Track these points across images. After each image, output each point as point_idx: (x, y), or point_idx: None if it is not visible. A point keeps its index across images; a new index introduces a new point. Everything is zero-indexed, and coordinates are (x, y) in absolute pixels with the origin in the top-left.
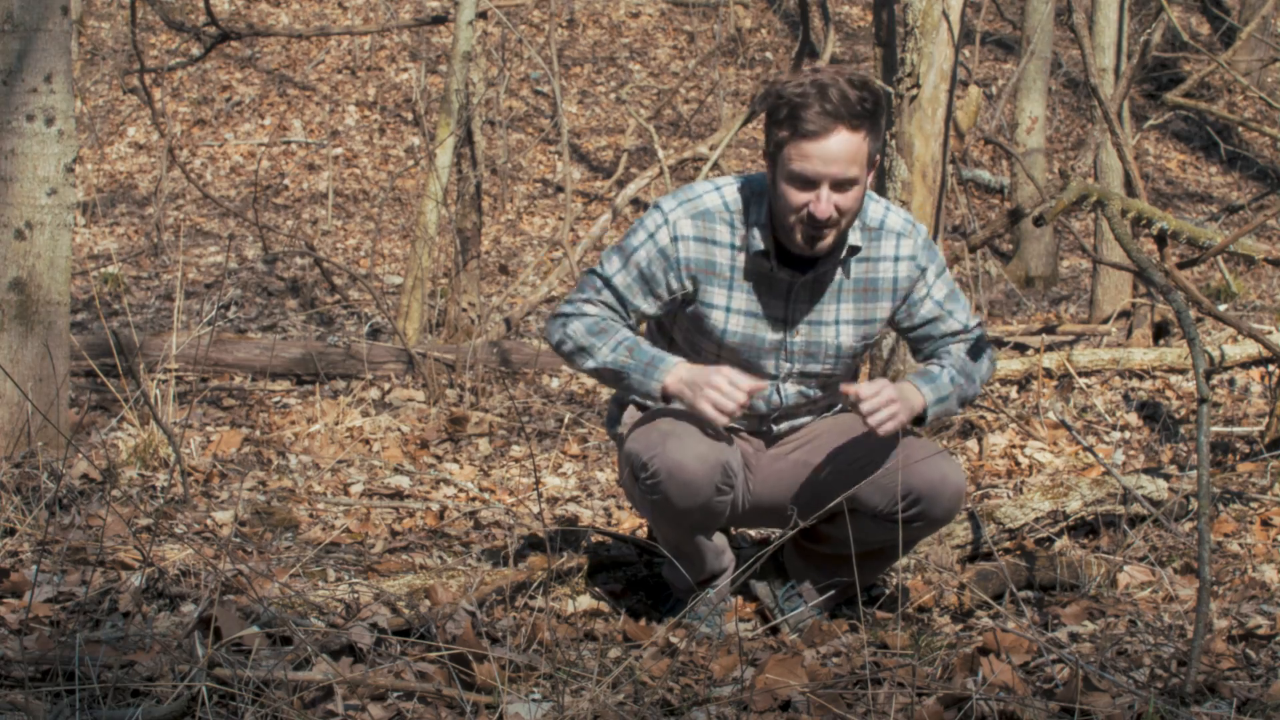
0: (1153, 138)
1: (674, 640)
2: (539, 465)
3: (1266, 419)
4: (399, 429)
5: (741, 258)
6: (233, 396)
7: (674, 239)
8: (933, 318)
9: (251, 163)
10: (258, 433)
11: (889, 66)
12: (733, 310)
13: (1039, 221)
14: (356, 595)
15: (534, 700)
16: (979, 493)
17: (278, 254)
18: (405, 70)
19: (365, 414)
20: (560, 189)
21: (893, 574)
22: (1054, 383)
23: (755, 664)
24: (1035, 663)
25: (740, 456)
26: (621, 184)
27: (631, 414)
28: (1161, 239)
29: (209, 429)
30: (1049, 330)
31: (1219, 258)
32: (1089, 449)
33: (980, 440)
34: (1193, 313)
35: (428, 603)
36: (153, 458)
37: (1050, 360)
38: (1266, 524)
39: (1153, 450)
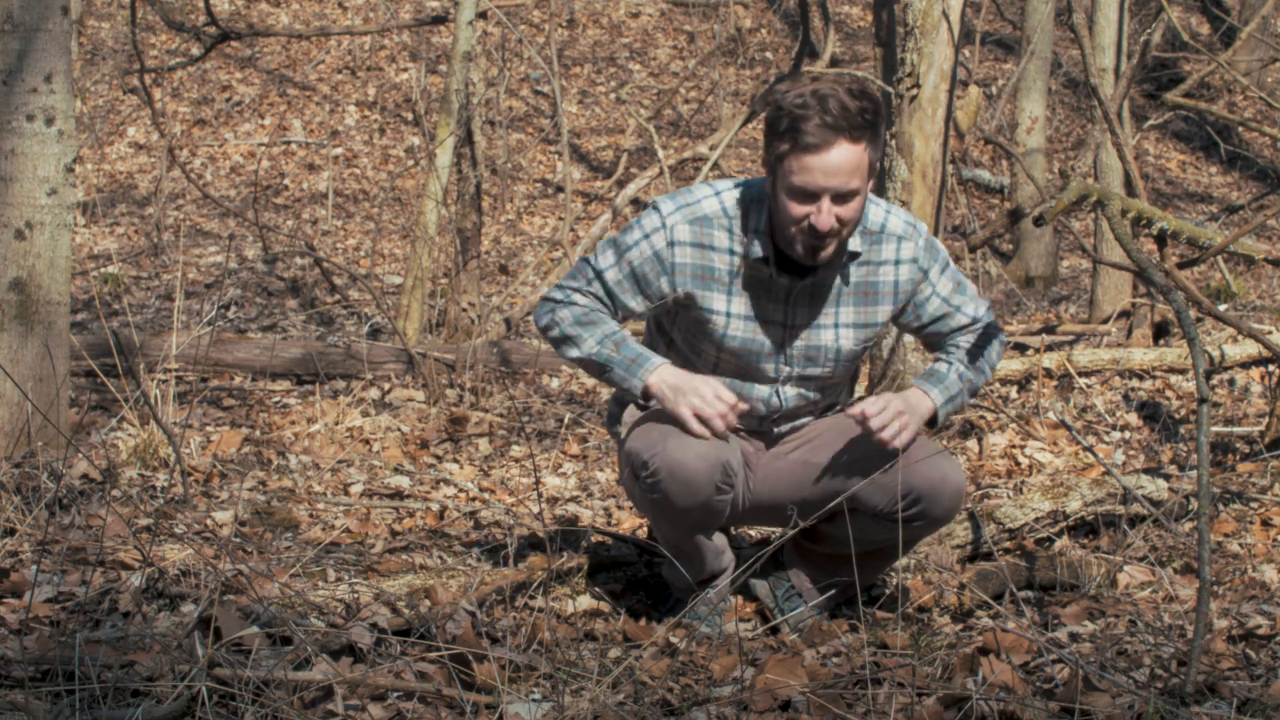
0: (1153, 138)
1: (674, 640)
2: (539, 465)
3: (1266, 419)
4: (399, 429)
5: (740, 263)
6: (233, 396)
7: (670, 244)
8: (940, 315)
9: (251, 163)
10: (258, 433)
11: (889, 66)
12: (732, 315)
13: (1039, 221)
14: (356, 595)
15: (534, 700)
16: (979, 493)
17: (278, 254)
18: (405, 70)
19: (365, 414)
20: (560, 189)
21: (893, 574)
22: (1054, 383)
23: (755, 664)
24: (1035, 663)
25: (740, 455)
26: (621, 184)
27: (632, 413)
28: (1161, 239)
29: (209, 429)
30: (1049, 330)
31: (1219, 258)
32: (1089, 449)
33: (980, 440)
34: (1193, 313)
35: (428, 603)
36: (153, 458)
37: (1050, 360)
38: (1266, 524)
39: (1153, 450)
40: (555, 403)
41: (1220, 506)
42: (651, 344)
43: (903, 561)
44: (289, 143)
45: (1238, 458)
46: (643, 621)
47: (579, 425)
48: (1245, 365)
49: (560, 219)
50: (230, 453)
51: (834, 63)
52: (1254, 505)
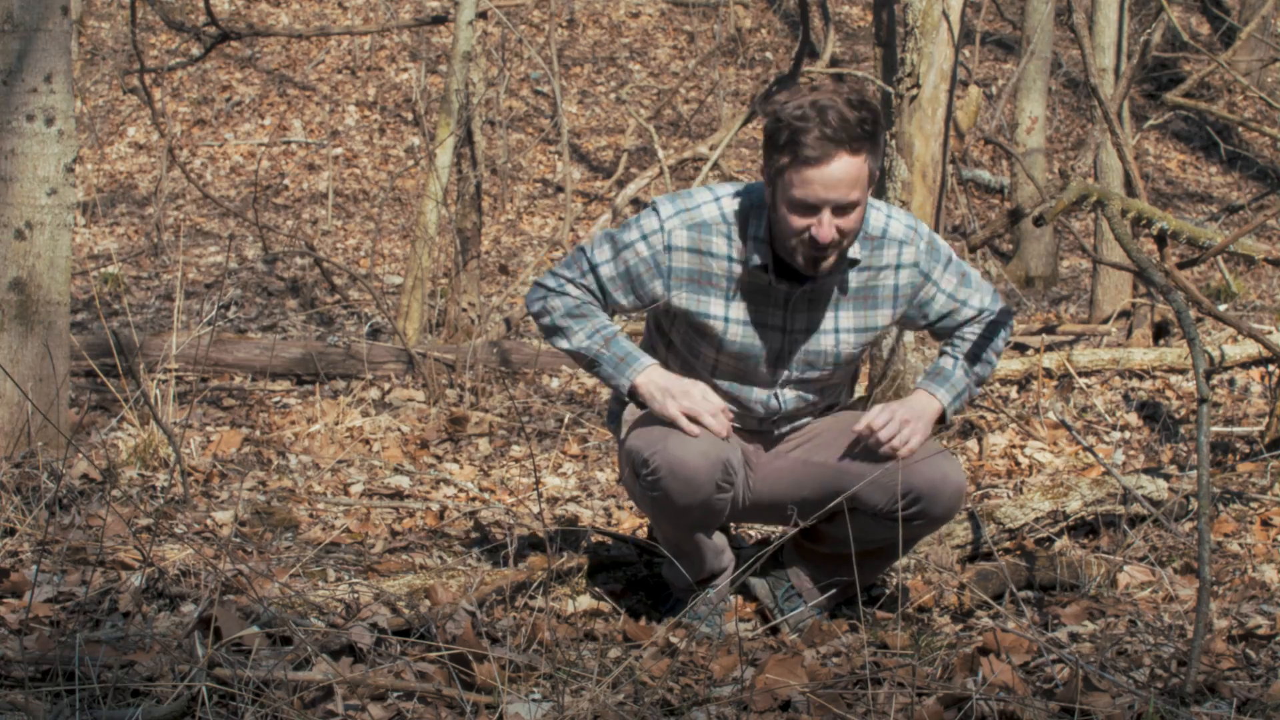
0: (1153, 138)
1: (674, 640)
2: (539, 465)
3: (1266, 419)
4: (399, 429)
5: (738, 269)
6: (233, 396)
7: (667, 248)
8: (947, 311)
9: (251, 163)
10: (258, 433)
11: (889, 66)
12: (731, 320)
13: (1039, 221)
14: (356, 595)
15: (534, 700)
16: (979, 493)
17: (278, 254)
18: (405, 70)
19: (365, 414)
20: (560, 189)
21: (893, 574)
22: (1054, 383)
23: (755, 664)
24: (1035, 663)
25: (741, 454)
26: (621, 184)
27: (632, 411)
28: (1161, 239)
29: (209, 429)
30: (1049, 330)
31: (1219, 258)
32: (1089, 449)
33: (980, 440)
34: (1193, 313)
35: (428, 603)
36: (153, 458)
37: (1050, 360)
38: (1266, 524)
39: (1153, 450)
40: (555, 403)
41: (1220, 506)
42: (651, 343)
43: (903, 561)
44: (289, 143)
45: (1238, 458)
46: (643, 621)
47: (579, 425)
48: (1245, 365)
49: (560, 219)
50: (230, 453)
51: (834, 62)
52: (1254, 505)
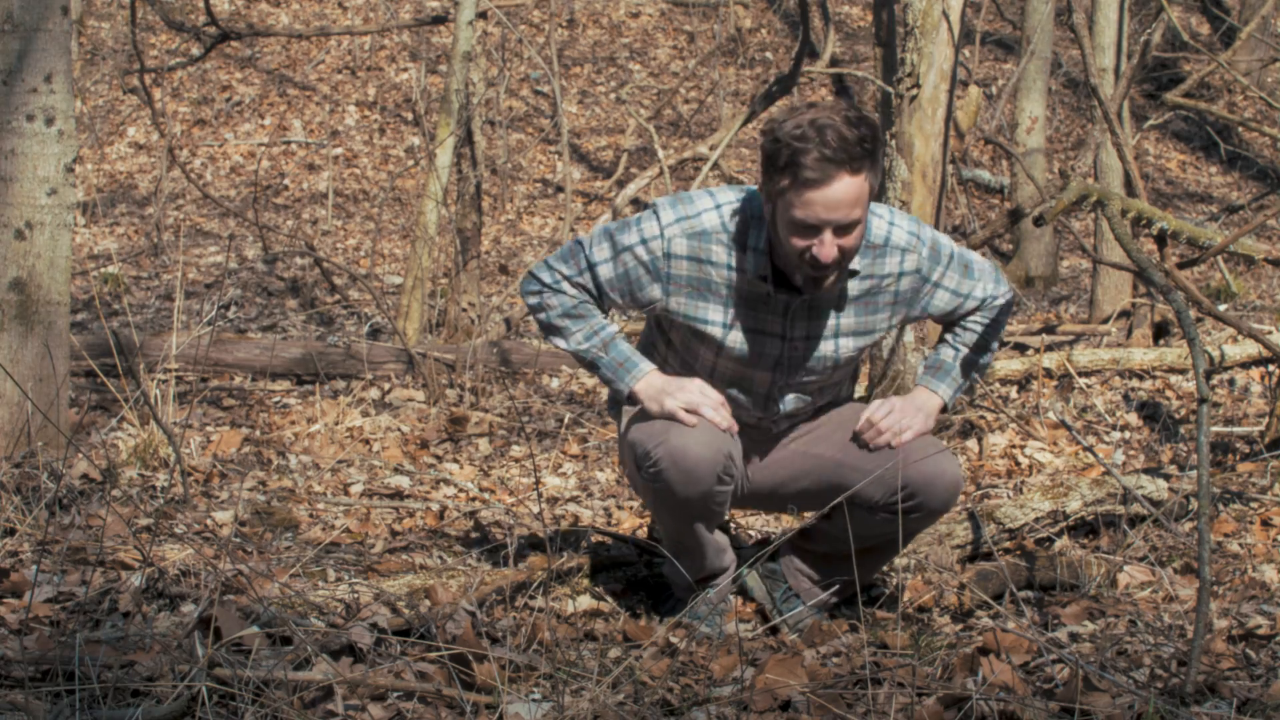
0: (1153, 138)
1: (674, 640)
2: (539, 465)
3: (1266, 419)
4: (399, 429)
5: (738, 277)
6: (233, 396)
7: (666, 255)
8: (951, 308)
9: (251, 163)
10: (258, 433)
11: (889, 66)
12: (729, 327)
13: (1039, 221)
14: (356, 595)
15: (534, 700)
16: (979, 493)
17: (278, 254)
18: (405, 70)
19: (365, 414)
20: (560, 189)
21: (893, 574)
22: (1054, 383)
23: (755, 664)
24: (1035, 663)
25: (741, 448)
26: (621, 184)
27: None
28: (1161, 239)
29: (209, 429)
30: (1049, 330)
31: (1219, 258)
32: (1089, 449)
33: (980, 440)
34: (1193, 313)
35: (428, 603)
36: (153, 458)
37: (1050, 360)
38: (1266, 524)
39: (1153, 450)
40: (555, 403)
41: (1220, 506)
42: (650, 339)
43: (902, 561)
44: (289, 143)
45: (1238, 458)
46: (643, 621)
47: (579, 425)
48: (1245, 365)
49: (560, 219)
50: (230, 453)
51: (834, 62)
52: (1254, 505)
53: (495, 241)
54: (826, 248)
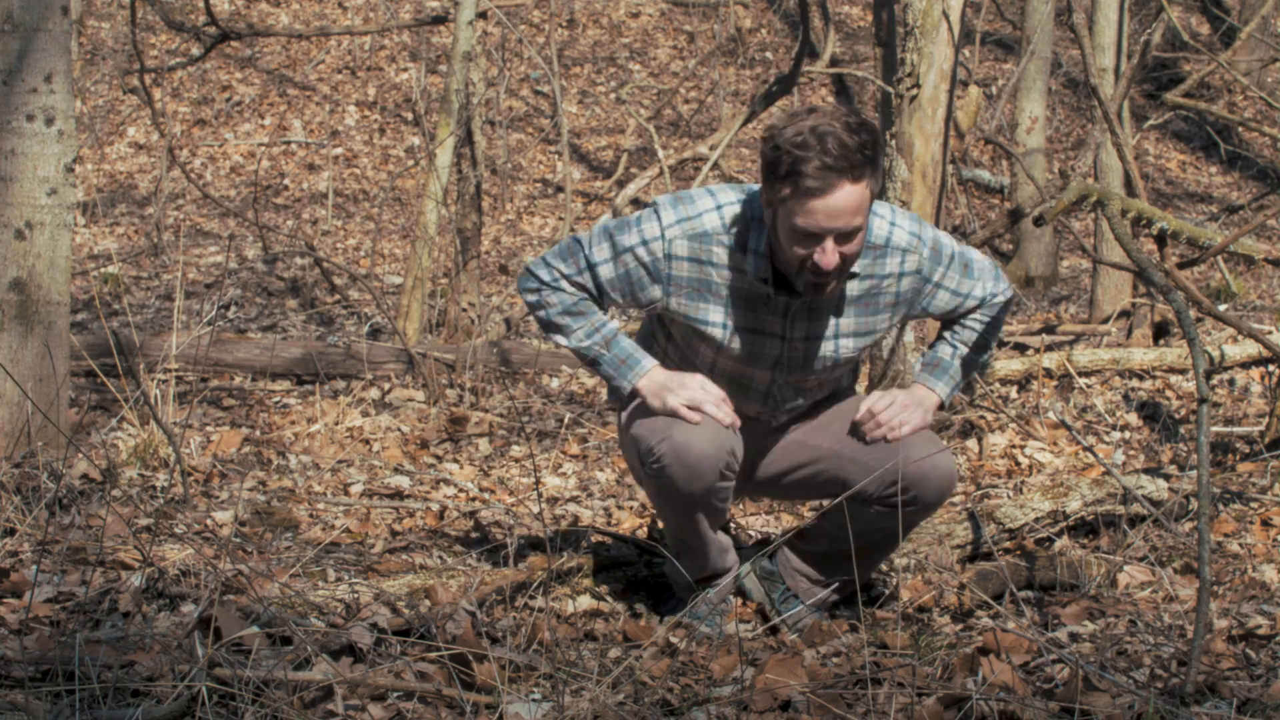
0: (1153, 138)
1: (674, 640)
2: (539, 465)
3: (1266, 419)
4: (399, 429)
5: (738, 278)
6: (233, 396)
7: (667, 256)
8: (951, 307)
9: (251, 163)
10: (258, 433)
11: (889, 66)
12: (730, 327)
13: (1039, 221)
14: (356, 595)
15: (534, 700)
16: (979, 493)
17: (278, 254)
18: (405, 70)
19: (365, 414)
20: (560, 189)
21: (892, 574)
22: (1054, 383)
23: (755, 664)
24: (1035, 663)
25: (742, 442)
26: (621, 184)
27: None
28: (1161, 239)
29: (209, 429)
30: (1049, 330)
31: (1219, 258)
32: (1089, 449)
33: (980, 440)
34: (1193, 313)
35: (428, 603)
36: (153, 458)
37: (1050, 360)
38: (1266, 524)
39: (1153, 450)
40: (555, 403)
41: (1220, 506)
42: (650, 333)
43: (902, 561)
44: (289, 143)
45: (1238, 458)
46: (643, 621)
47: (579, 425)
48: (1245, 365)
49: (560, 219)
50: (230, 453)
51: (834, 62)
52: (1254, 505)
53: (495, 241)
54: (828, 255)
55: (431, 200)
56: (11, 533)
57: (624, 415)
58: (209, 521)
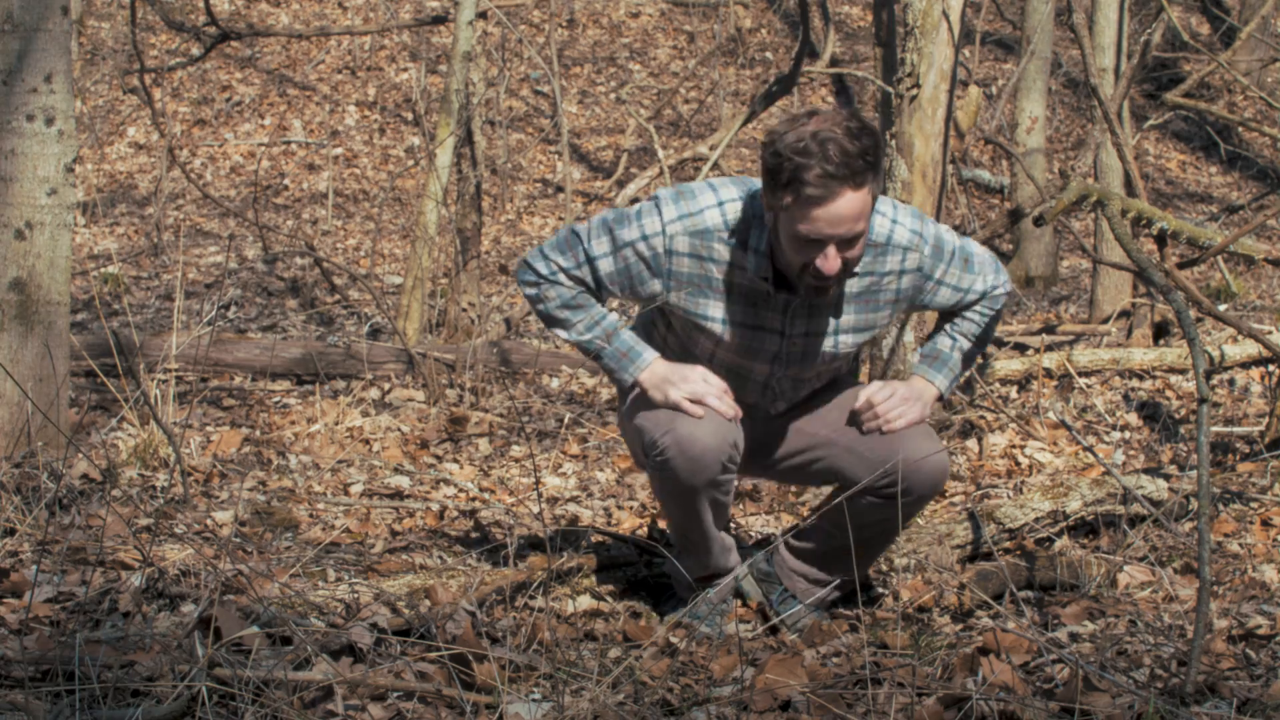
0: (1153, 138)
1: (674, 640)
2: (539, 465)
3: (1266, 419)
4: (399, 429)
5: (738, 275)
6: (233, 396)
7: (667, 251)
8: (952, 302)
9: (251, 163)
10: (258, 433)
11: (889, 66)
12: (729, 323)
13: (1039, 221)
14: (356, 595)
15: (534, 700)
16: (979, 493)
17: (278, 254)
18: (405, 70)
19: (365, 414)
20: (560, 189)
21: (892, 574)
22: (1054, 383)
23: (755, 664)
24: (1035, 663)
25: (744, 433)
26: (621, 184)
27: None
28: (1161, 239)
29: (209, 429)
30: (1049, 330)
31: (1219, 258)
32: (1089, 449)
33: (980, 440)
34: (1193, 313)
35: (428, 603)
36: (153, 458)
37: (1050, 360)
38: (1266, 524)
39: (1153, 450)
40: (555, 403)
41: (1220, 506)
42: (651, 323)
43: (902, 561)
44: (289, 143)
45: (1238, 458)
46: (643, 621)
47: (579, 425)
48: (1245, 365)
49: (560, 219)
50: (230, 453)
51: (834, 62)
52: (1254, 505)
53: (495, 241)
54: (830, 261)
55: (431, 200)
56: (11, 533)
57: (625, 404)
58: (209, 521)
